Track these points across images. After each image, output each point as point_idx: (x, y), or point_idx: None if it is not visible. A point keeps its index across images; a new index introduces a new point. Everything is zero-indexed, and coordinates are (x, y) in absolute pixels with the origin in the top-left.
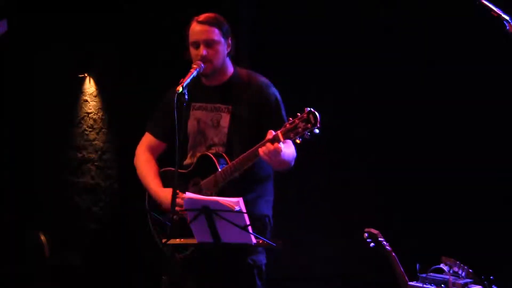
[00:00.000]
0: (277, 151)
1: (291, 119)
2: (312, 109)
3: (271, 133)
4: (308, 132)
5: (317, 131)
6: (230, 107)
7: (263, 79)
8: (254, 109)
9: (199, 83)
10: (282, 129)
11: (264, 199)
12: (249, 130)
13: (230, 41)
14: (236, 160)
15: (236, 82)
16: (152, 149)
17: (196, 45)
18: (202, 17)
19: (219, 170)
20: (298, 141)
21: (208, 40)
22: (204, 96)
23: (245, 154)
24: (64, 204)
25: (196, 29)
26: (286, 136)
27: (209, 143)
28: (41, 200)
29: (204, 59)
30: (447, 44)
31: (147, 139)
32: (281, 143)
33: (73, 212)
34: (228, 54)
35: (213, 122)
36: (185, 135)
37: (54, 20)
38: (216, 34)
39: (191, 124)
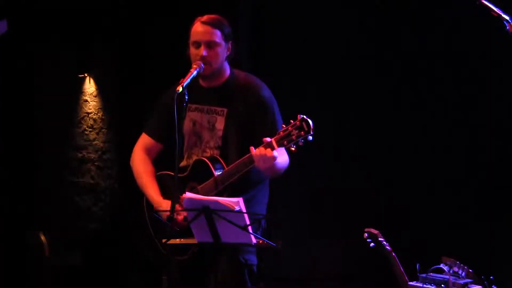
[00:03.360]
0: (271, 158)
1: (284, 126)
2: (305, 117)
3: (265, 140)
4: (302, 140)
5: (310, 138)
6: (225, 110)
7: (260, 83)
8: (249, 113)
9: (196, 84)
10: (276, 136)
11: (258, 200)
12: (244, 134)
13: (230, 45)
14: (231, 166)
15: (232, 85)
16: (148, 150)
17: (197, 45)
18: (205, 17)
19: (215, 175)
20: (292, 148)
21: (209, 41)
22: (201, 97)
23: (240, 160)
24: (64, 204)
25: (198, 29)
26: (280, 144)
27: (205, 145)
28: (41, 200)
29: (203, 59)
30: (447, 45)
31: (144, 139)
32: (275, 150)
33: (73, 212)
34: (227, 58)
35: (209, 125)
36: (180, 136)
37: (54, 20)
38: (217, 36)
39: (187, 125)
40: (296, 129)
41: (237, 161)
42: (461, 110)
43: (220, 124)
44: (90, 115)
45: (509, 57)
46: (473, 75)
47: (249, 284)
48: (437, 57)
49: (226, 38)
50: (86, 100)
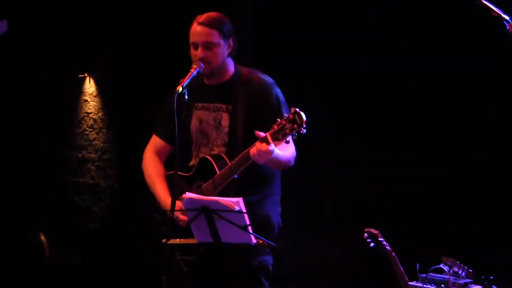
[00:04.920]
0: (267, 153)
1: (278, 120)
2: (297, 110)
3: (260, 135)
4: (295, 133)
5: (304, 131)
6: (230, 106)
7: (265, 78)
8: (253, 108)
9: (202, 83)
10: (271, 131)
11: (269, 199)
12: (249, 129)
13: (231, 42)
14: (231, 162)
15: (237, 82)
16: (159, 152)
17: (195, 46)
18: (203, 17)
19: (218, 173)
20: (287, 141)
21: (206, 42)
22: (206, 96)
23: (239, 156)
24: (64, 204)
25: (196, 30)
26: (274, 138)
27: (212, 143)
28: (41, 200)
29: (202, 60)
30: (447, 44)
31: (154, 141)
32: (271, 145)
33: (73, 212)
34: (230, 55)
35: (215, 122)
36: (188, 135)
37: (54, 20)
38: (215, 37)
39: (194, 124)
40: (289, 122)
41: (237, 157)
42: (461, 111)
43: (225, 121)
44: (90, 115)
45: (509, 57)
46: (473, 75)
47: (266, 284)
48: (438, 57)
49: (225, 36)
50: (86, 100)
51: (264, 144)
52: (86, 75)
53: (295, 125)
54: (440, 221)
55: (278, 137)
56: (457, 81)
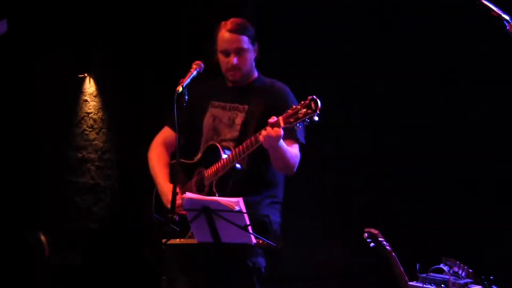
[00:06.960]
0: (277, 136)
1: (293, 105)
2: (314, 97)
3: (273, 118)
4: (308, 118)
5: (316, 118)
6: (246, 106)
7: (284, 86)
8: (269, 110)
9: (223, 83)
10: (284, 114)
11: (269, 201)
12: (261, 128)
13: (256, 46)
14: (236, 148)
15: (257, 86)
16: (167, 143)
17: (226, 53)
18: (231, 24)
19: (222, 158)
20: (297, 127)
21: (238, 49)
22: (225, 96)
23: (246, 141)
24: (64, 204)
25: (225, 37)
26: (286, 121)
27: (221, 138)
28: (41, 200)
29: (234, 67)
30: (448, 45)
31: (165, 132)
32: (281, 128)
33: (73, 212)
34: (255, 59)
35: (229, 121)
36: (199, 130)
37: (54, 20)
38: (245, 43)
39: (207, 121)
40: (304, 107)
41: (244, 142)
42: (461, 111)
43: (239, 119)
44: (90, 115)
45: (509, 57)
46: (473, 75)
47: (258, 287)
48: (438, 57)
49: (252, 41)
50: (86, 100)
51: (275, 128)
52: (86, 75)
53: (310, 110)
54: (440, 221)
55: (290, 121)
56: (457, 82)
